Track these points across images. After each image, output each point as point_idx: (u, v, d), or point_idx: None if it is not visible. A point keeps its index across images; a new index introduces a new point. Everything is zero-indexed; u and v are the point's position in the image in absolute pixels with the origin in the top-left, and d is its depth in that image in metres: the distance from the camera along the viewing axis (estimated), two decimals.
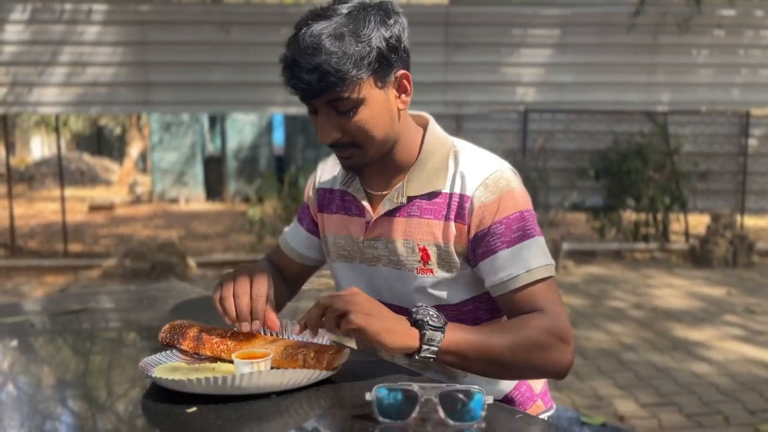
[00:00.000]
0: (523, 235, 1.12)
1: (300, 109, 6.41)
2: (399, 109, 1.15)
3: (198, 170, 12.88)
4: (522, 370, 1.11)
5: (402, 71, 1.13)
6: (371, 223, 1.21)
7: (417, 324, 1.01)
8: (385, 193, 1.21)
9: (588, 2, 6.41)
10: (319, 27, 1.04)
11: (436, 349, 1.01)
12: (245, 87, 6.26)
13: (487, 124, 8.48)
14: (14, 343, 1.28)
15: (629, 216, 7.87)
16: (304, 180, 7.99)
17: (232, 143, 12.64)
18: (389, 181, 1.21)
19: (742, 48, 6.61)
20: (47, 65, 6.07)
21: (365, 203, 1.22)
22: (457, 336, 1.03)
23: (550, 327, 1.09)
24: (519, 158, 7.64)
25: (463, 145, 1.22)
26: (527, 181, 7.28)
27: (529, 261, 1.11)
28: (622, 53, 6.46)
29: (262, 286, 1.12)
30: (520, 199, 1.15)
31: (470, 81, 6.39)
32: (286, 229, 1.44)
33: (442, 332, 1.01)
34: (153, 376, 0.98)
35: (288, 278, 1.43)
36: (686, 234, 7.71)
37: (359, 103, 1.08)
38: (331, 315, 0.98)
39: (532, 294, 1.12)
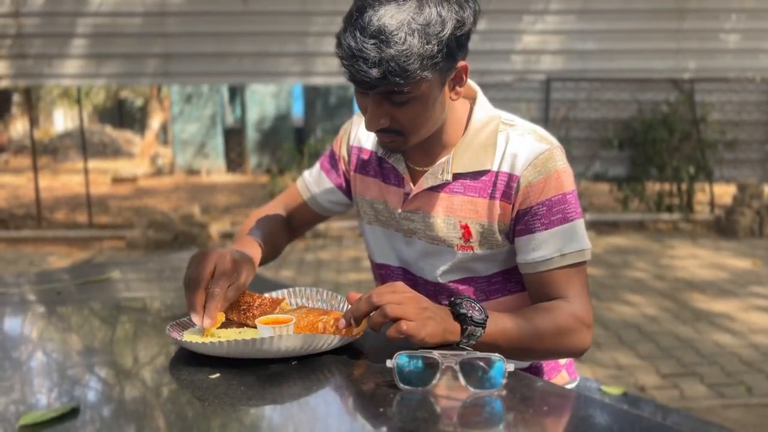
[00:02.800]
0: (563, 218, 1.11)
1: (319, 80, 6.38)
2: (451, 100, 1.11)
3: (218, 142, 12.93)
4: (545, 355, 1.15)
5: (463, 63, 1.06)
6: (410, 195, 1.18)
7: (459, 318, 1.00)
8: (427, 168, 1.18)
9: None
10: (388, 13, 0.96)
11: (474, 343, 1.01)
12: (264, 58, 6.23)
13: (509, 93, 8.37)
14: (41, 310, 1.30)
15: (653, 186, 7.77)
16: (323, 152, 7.99)
17: (251, 115, 12.65)
18: (433, 158, 1.18)
19: None
20: (68, 37, 6.09)
21: (405, 175, 1.19)
22: (493, 328, 1.03)
23: (576, 313, 1.10)
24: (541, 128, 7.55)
25: (512, 120, 1.18)
26: None
27: (564, 245, 1.11)
28: (647, 19, 6.30)
29: (222, 282, 1.05)
30: (566, 180, 1.12)
31: (491, 49, 6.29)
32: (307, 174, 1.40)
33: (483, 328, 1.01)
34: (179, 339, 0.99)
35: (295, 223, 1.41)
36: (711, 204, 7.60)
37: (416, 98, 1.03)
38: (380, 319, 0.95)
39: (560, 277, 1.12)
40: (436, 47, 0.98)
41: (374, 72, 0.96)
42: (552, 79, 7.27)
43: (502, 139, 1.14)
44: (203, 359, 0.96)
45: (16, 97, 17.22)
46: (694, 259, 5.67)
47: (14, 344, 1.13)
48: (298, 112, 13.28)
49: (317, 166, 1.39)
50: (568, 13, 6.33)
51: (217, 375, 0.92)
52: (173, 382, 0.93)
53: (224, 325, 1.11)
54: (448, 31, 0.98)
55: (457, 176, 1.15)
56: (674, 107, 7.72)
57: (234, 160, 12.99)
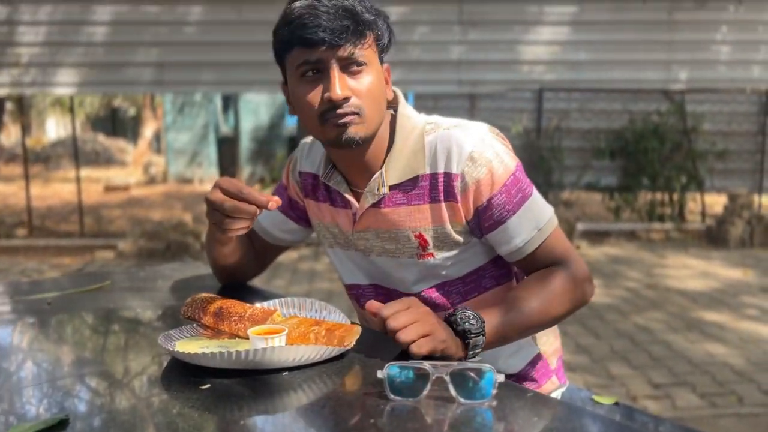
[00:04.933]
0: (523, 196, 1.13)
1: None
2: (386, 98, 1.15)
3: (211, 151, 12.92)
4: (556, 322, 1.16)
5: (386, 64, 1.15)
6: (357, 216, 1.18)
7: (459, 335, 1.01)
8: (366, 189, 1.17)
9: None
10: None
11: (479, 350, 1.03)
12: (258, 67, 6.25)
13: (502, 103, 8.41)
14: (32, 320, 1.30)
15: (645, 196, 7.81)
16: None
17: (245, 123, 12.65)
18: (368, 176, 1.17)
19: (762, 24, 6.48)
20: (62, 46, 6.09)
21: (348, 196, 1.18)
22: (494, 327, 1.05)
23: (571, 274, 1.14)
24: (534, 137, 7.59)
25: (437, 121, 1.17)
26: (541, 161, 7.15)
27: (536, 220, 1.14)
28: (638, 30, 6.36)
29: (233, 184, 1.05)
30: (508, 159, 1.13)
31: (485, 59, 6.33)
32: None
33: (484, 334, 1.03)
34: (171, 350, 0.99)
35: (257, 252, 1.41)
36: (703, 214, 7.64)
37: (368, 64, 1.08)
38: (393, 337, 0.97)
39: (546, 249, 1.15)
40: (376, 15, 1.08)
41: (340, 19, 1.03)
42: (545, 89, 7.32)
43: (429, 141, 1.14)
44: (194, 370, 0.96)
45: (8, 105, 17.15)
46: (686, 269, 5.69)
47: (4, 355, 1.12)
48: (291, 121, 13.28)
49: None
50: (561, 25, 6.39)
51: (208, 386, 0.92)
52: (164, 393, 0.93)
53: (215, 336, 1.11)
54: (375, 10, 1.09)
55: (393, 188, 1.15)
56: (665, 117, 7.77)
57: (227, 169, 12.97)
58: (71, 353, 1.13)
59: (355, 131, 1.08)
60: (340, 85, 1.05)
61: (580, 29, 6.36)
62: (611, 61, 6.46)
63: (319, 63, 1.06)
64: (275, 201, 1.03)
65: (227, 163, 12.97)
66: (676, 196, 7.62)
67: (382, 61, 1.13)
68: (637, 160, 7.73)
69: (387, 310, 0.98)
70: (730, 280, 5.24)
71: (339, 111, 1.06)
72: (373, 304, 1.01)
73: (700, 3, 6.07)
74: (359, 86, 1.07)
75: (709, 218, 7.47)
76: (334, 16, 1.02)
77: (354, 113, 1.07)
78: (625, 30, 6.37)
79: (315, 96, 1.07)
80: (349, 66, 1.06)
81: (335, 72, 1.05)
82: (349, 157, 1.15)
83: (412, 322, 0.97)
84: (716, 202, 7.86)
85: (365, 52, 1.06)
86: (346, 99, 1.06)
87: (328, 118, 1.07)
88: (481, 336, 1.02)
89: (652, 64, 6.47)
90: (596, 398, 1.45)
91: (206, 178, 12.73)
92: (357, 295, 1.29)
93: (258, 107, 12.63)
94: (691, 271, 5.59)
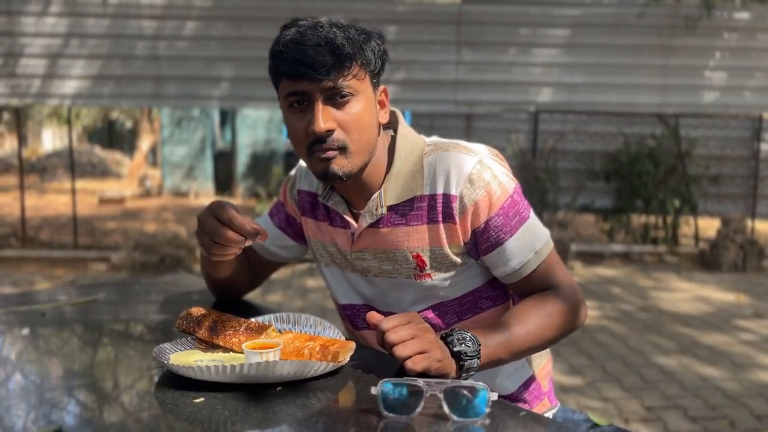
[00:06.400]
0: (521, 219, 1.14)
1: None
2: (380, 123, 1.14)
3: (208, 165, 12.93)
4: (550, 344, 1.17)
5: (383, 86, 1.15)
6: (356, 235, 1.18)
7: (454, 355, 1.01)
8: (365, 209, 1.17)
9: (599, 2, 6.40)
10: (314, 21, 1.07)
11: (473, 373, 1.03)
12: (256, 82, 6.27)
13: (498, 123, 8.46)
14: (24, 332, 1.29)
15: (638, 218, 7.84)
16: None
17: (242, 138, 12.68)
18: (366, 197, 1.17)
19: (755, 51, 6.56)
20: (60, 58, 6.11)
21: (347, 217, 1.19)
22: (489, 349, 1.05)
23: (566, 298, 1.14)
24: (529, 158, 7.62)
25: (436, 142, 1.18)
26: (537, 181, 7.14)
27: (533, 242, 1.14)
28: (633, 55, 6.43)
29: (225, 211, 1.05)
30: (506, 181, 1.14)
31: (481, 80, 6.38)
32: (256, 220, 1.41)
33: (479, 357, 1.02)
34: (165, 362, 0.99)
35: (252, 268, 1.41)
36: (696, 237, 7.67)
37: (355, 94, 1.07)
38: (390, 351, 0.96)
39: (542, 272, 1.15)
40: (364, 42, 1.08)
41: (320, 51, 1.03)
42: (540, 111, 7.37)
43: (428, 162, 1.14)
44: (187, 383, 0.96)
45: (5, 116, 17.16)
46: (679, 292, 5.70)
47: None
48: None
49: (265, 213, 1.40)
50: (557, 47, 6.45)
51: (201, 399, 0.92)
52: (156, 406, 0.92)
53: (210, 350, 1.11)
54: (371, 35, 1.09)
55: (392, 208, 1.15)
56: (660, 141, 7.82)
57: (223, 183, 12.98)
58: (62, 365, 1.13)
59: (338, 167, 1.09)
60: (323, 118, 1.06)
61: (576, 52, 6.42)
62: (606, 84, 6.51)
63: (304, 95, 1.07)
64: (263, 234, 1.05)
65: (223, 177, 12.97)
66: (669, 219, 7.65)
67: (377, 85, 1.13)
68: (631, 183, 7.77)
69: (387, 323, 0.98)
70: (722, 304, 5.25)
71: (323, 145, 1.08)
72: (374, 316, 1.01)
73: (692, 29, 6.14)
74: (345, 117, 1.07)
75: (702, 242, 7.50)
76: (315, 50, 1.02)
77: (337, 148, 1.08)
78: (619, 54, 6.43)
79: (301, 127, 1.09)
80: (334, 97, 1.07)
81: (319, 105, 1.06)
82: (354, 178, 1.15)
83: (410, 337, 0.96)
84: (709, 226, 7.89)
85: (350, 82, 1.06)
86: (330, 132, 1.07)
87: (314, 151, 1.09)
88: (476, 359, 1.02)
89: (646, 88, 6.53)
90: (592, 417, 1.45)
91: (202, 192, 12.72)
92: (351, 315, 1.29)
93: (255, 122, 12.67)
94: (684, 295, 5.60)
